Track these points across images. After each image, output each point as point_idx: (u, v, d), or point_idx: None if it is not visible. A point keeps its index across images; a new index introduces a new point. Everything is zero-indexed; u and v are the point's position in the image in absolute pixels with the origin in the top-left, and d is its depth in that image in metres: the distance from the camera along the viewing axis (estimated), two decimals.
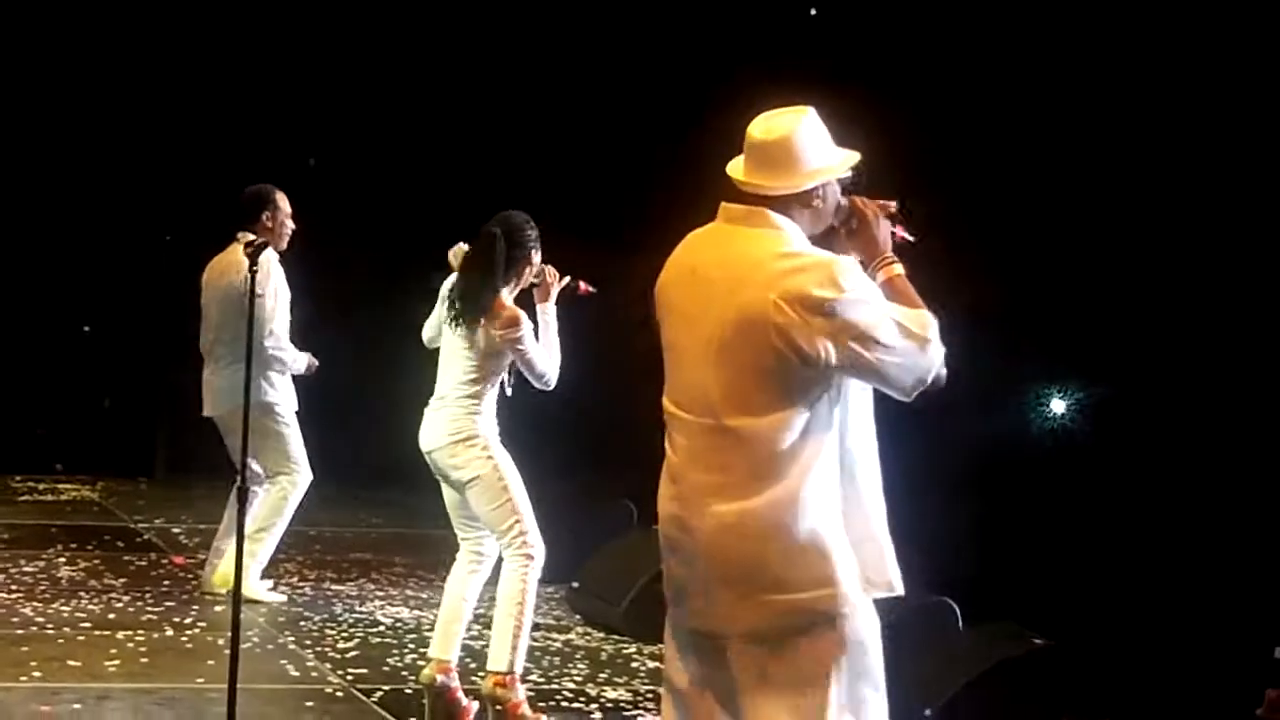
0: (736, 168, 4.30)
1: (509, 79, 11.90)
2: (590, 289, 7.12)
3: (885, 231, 4.40)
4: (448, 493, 7.01)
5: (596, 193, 10.74)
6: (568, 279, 7.04)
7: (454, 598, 7.01)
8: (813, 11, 9.56)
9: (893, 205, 4.42)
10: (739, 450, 4.15)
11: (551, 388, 6.88)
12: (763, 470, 4.12)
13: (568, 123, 11.49)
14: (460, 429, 6.81)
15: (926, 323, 4.20)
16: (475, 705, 6.94)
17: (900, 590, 4.27)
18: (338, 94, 12.52)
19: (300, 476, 8.93)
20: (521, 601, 6.77)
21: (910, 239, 4.44)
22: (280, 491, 8.91)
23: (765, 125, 4.25)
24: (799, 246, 4.20)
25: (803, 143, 4.22)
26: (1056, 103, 8.19)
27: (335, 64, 12.47)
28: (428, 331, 7.23)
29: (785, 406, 4.10)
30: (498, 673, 6.79)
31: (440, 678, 6.91)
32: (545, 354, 6.84)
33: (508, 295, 6.84)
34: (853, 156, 4.32)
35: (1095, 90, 8.10)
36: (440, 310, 7.04)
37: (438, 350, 7.05)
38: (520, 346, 6.74)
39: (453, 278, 7.00)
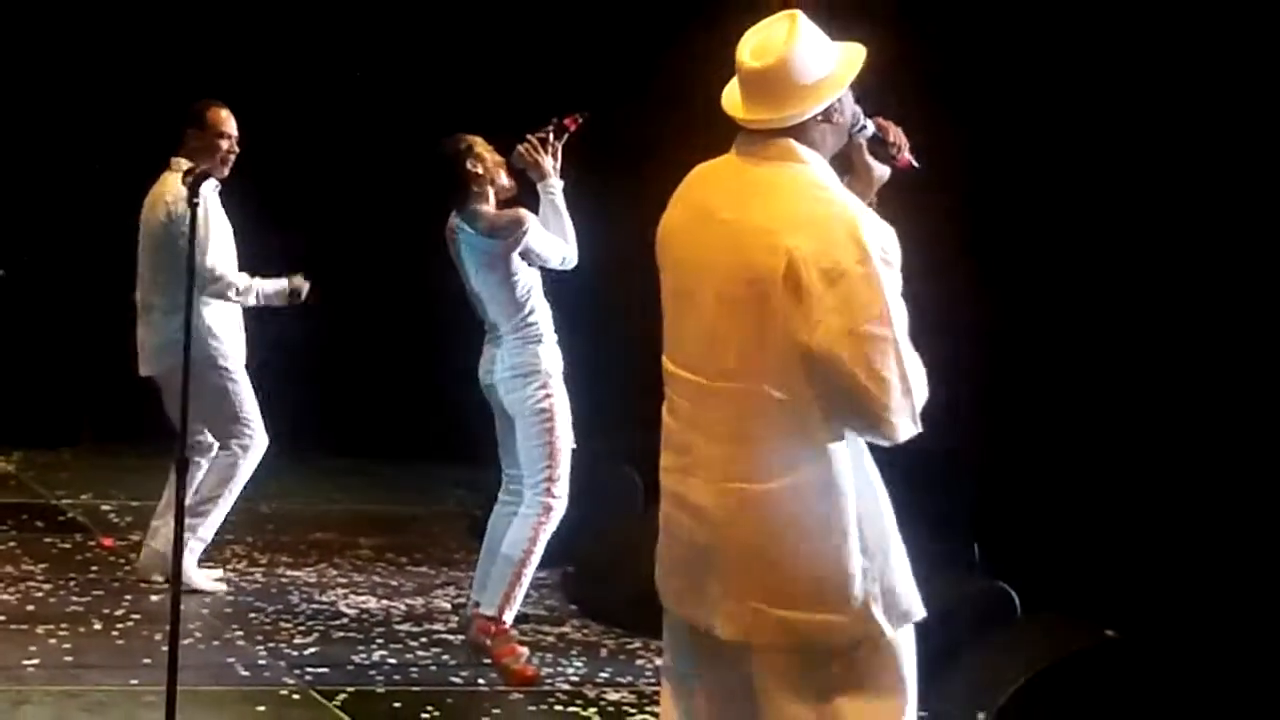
0: (734, 102, 4.22)
1: None
2: (578, 118, 7.50)
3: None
4: (500, 424, 7.64)
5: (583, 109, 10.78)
6: (549, 131, 7.48)
7: (490, 538, 7.70)
8: None
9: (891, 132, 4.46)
10: (759, 419, 4.10)
11: (573, 266, 7.50)
12: (787, 445, 4.09)
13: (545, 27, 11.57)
14: (522, 363, 7.45)
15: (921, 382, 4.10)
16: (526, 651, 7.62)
17: (922, 613, 4.23)
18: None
19: (254, 441, 8.86)
20: (529, 550, 7.47)
21: (916, 165, 4.50)
22: (230, 459, 8.82)
23: (756, 46, 4.17)
24: (828, 184, 4.19)
25: (804, 57, 4.15)
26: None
27: None
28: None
29: (810, 370, 4.06)
30: (485, 617, 7.50)
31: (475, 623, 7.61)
32: (555, 239, 7.42)
33: (490, 208, 7.48)
34: (859, 52, 4.25)
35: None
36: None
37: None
38: (532, 244, 7.33)
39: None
